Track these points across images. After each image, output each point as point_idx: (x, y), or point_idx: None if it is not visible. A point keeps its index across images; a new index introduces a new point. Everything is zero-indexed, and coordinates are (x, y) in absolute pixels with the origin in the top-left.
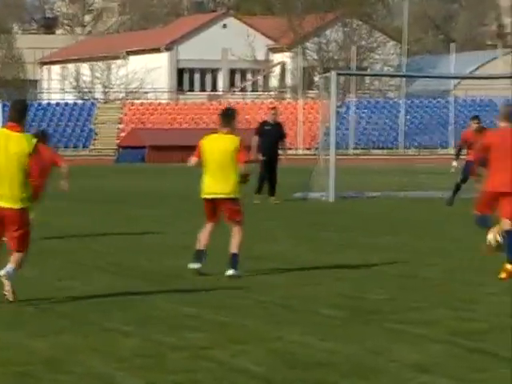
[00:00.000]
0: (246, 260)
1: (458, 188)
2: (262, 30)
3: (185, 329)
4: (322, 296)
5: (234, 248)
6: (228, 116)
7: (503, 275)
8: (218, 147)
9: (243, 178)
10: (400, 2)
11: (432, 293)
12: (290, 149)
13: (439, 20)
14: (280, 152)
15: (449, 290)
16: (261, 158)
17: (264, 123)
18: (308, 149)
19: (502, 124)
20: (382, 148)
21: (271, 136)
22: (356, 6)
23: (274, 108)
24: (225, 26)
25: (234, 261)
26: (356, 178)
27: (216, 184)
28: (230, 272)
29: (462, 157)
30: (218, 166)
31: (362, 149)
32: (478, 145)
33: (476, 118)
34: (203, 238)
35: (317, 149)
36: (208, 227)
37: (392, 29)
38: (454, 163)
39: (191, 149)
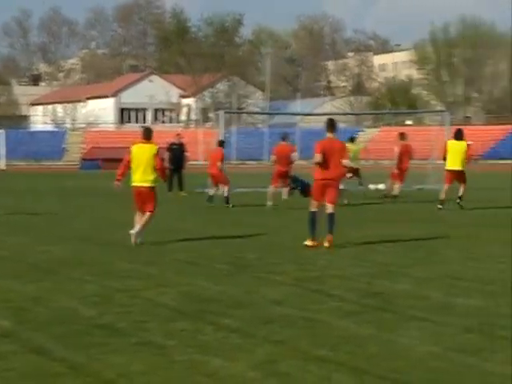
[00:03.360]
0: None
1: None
2: (175, 83)
3: (127, 278)
4: (217, 255)
5: None
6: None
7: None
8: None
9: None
10: (264, 65)
11: (285, 253)
12: (196, 160)
13: (289, 77)
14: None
15: (296, 252)
16: (170, 166)
17: (172, 144)
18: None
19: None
20: (254, 160)
21: (177, 151)
22: (236, 67)
23: (178, 134)
24: (151, 80)
25: None
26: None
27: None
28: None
29: None
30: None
31: (240, 160)
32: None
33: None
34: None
35: None
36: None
37: (259, 82)
38: None
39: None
